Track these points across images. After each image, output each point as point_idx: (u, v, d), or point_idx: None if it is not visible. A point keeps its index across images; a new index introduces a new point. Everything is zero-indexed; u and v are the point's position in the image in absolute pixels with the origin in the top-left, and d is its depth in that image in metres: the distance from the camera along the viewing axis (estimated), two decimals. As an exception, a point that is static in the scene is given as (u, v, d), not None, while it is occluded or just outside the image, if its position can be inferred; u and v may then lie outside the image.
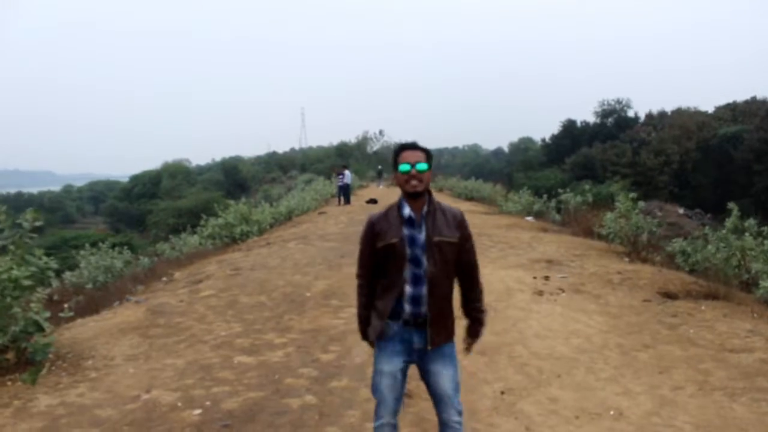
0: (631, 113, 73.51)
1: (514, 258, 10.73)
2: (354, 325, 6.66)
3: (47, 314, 5.61)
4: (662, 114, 68.74)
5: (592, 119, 75.62)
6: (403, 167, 3.09)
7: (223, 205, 18.36)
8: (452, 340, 3.23)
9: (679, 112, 66.52)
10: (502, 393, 4.90)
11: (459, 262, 3.19)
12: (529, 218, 18.83)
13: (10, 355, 5.41)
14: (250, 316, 7.26)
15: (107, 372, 5.40)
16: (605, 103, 74.53)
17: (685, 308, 7.18)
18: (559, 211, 19.14)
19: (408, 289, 3.09)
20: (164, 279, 10.80)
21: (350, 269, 9.77)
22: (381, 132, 77.61)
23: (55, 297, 10.64)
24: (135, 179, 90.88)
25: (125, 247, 17.36)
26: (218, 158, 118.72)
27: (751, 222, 8.99)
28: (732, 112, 64.15)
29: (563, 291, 8.28)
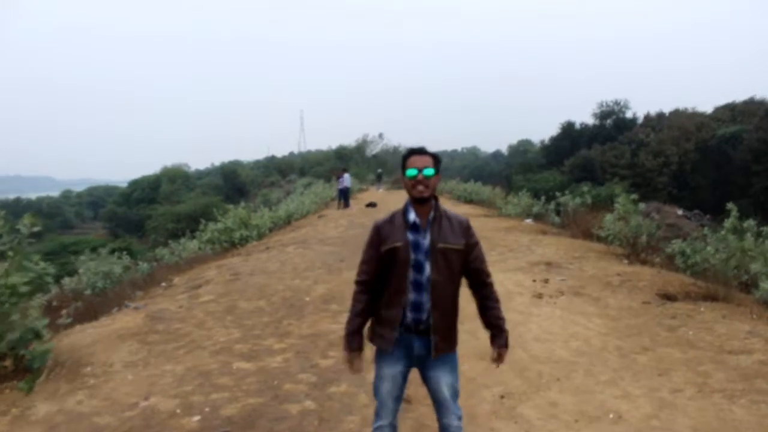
0: (629, 114, 73.54)
1: (513, 261, 10.72)
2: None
3: (45, 321, 5.60)
4: (660, 115, 68.83)
5: (590, 121, 75.66)
6: (410, 172, 3.08)
7: (222, 210, 18.35)
8: (455, 348, 3.23)
9: (677, 113, 66.59)
10: (502, 397, 4.90)
11: (468, 270, 3.19)
12: (528, 221, 18.83)
13: (8, 363, 5.39)
14: (249, 321, 7.25)
15: (106, 379, 5.39)
16: (604, 104, 74.55)
17: (684, 310, 7.18)
18: (558, 213, 19.13)
19: (410, 295, 3.09)
20: (163, 284, 10.79)
21: (350, 273, 9.76)
22: (381, 135, 77.72)
23: (54, 303, 10.63)
24: (134, 184, 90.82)
25: (124, 253, 17.32)
26: (217, 162, 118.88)
27: (750, 222, 8.98)
28: (731, 112, 64.17)
29: (563, 293, 8.28)
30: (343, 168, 30.30)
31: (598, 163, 60.83)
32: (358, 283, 3.28)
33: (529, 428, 4.36)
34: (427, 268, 3.07)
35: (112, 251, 16.48)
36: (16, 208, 73.07)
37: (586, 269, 9.76)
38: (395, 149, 77.40)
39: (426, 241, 3.08)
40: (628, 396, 4.87)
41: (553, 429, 4.34)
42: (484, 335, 3.32)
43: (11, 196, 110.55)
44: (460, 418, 3.21)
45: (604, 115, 74.42)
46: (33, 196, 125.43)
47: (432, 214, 3.13)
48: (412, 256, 3.07)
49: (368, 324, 3.29)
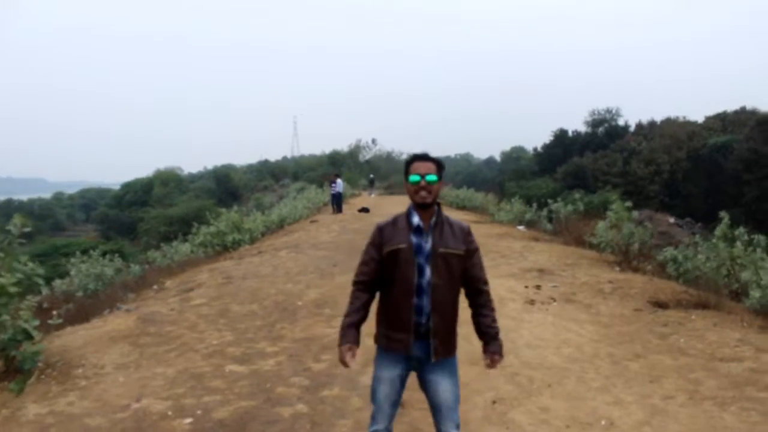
0: (621, 122, 73.93)
1: (505, 267, 10.74)
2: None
3: (36, 322, 5.57)
4: (652, 124, 69.20)
5: (583, 129, 76.01)
6: (413, 178, 3.11)
7: (214, 214, 18.32)
8: (455, 353, 3.23)
9: (668, 122, 66.97)
10: (494, 402, 4.91)
11: (465, 276, 3.19)
12: (521, 227, 18.87)
13: (-1, 364, 5.37)
14: (241, 324, 7.24)
15: (97, 381, 5.37)
16: (596, 112, 74.92)
17: (675, 317, 7.21)
18: (550, 220, 19.18)
19: (413, 298, 3.10)
20: (155, 287, 10.76)
21: (342, 278, 9.76)
22: (374, 141, 77.63)
23: (45, 305, 10.57)
24: (126, 187, 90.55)
25: (116, 255, 17.26)
26: (210, 166, 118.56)
27: (740, 230, 9.03)
28: (722, 122, 64.62)
29: (554, 300, 8.30)
30: (335, 173, 30.30)
31: (590, 171, 61.08)
32: (356, 283, 3.26)
33: (520, 433, 4.37)
34: (428, 272, 3.08)
35: (104, 254, 16.43)
36: (8, 210, 72.70)
37: (578, 276, 9.79)
38: (388, 155, 77.46)
39: (428, 245, 3.10)
40: (619, 402, 4.89)
41: (544, 434, 4.36)
42: (478, 341, 3.33)
43: (2, 198, 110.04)
44: (458, 426, 3.20)
45: (595, 123, 74.79)
46: (25, 197, 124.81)
47: (434, 219, 3.15)
48: (415, 258, 3.09)
49: (373, 327, 3.29)
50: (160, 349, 6.29)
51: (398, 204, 31.02)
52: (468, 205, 31.38)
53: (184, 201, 65.87)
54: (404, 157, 77.54)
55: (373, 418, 3.25)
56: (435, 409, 3.21)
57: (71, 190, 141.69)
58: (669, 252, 10.81)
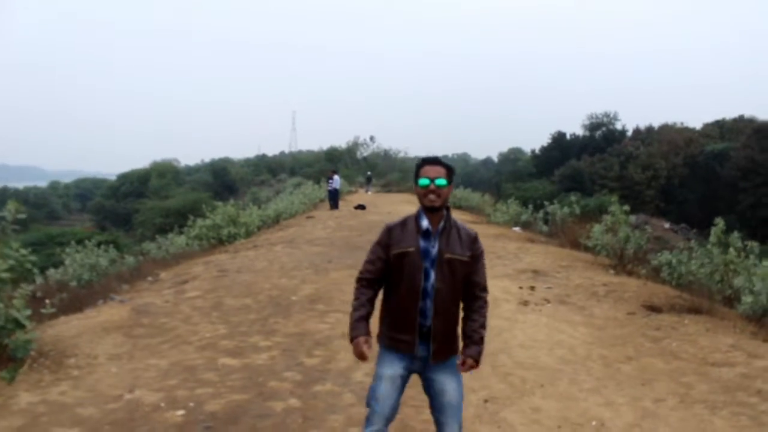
0: (618, 126, 74.08)
1: (500, 268, 10.76)
2: (340, 329, 6.67)
3: (28, 312, 5.55)
4: (649, 129, 69.39)
5: (580, 132, 76.13)
6: (423, 181, 3.11)
7: (210, 207, 18.31)
8: (456, 355, 3.23)
9: (666, 128, 67.16)
10: (486, 402, 4.92)
11: (465, 281, 3.19)
12: (517, 229, 18.91)
13: (-9, 352, 5.35)
14: (235, 318, 7.24)
15: (90, 371, 5.36)
16: (593, 116, 75.03)
17: (668, 322, 7.23)
18: (546, 222, 19.24)
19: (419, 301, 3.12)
20: (150, 279, 10.75)
21: (337, 274, 9.78)
22: (372, 138, 77.61)
23: (39, 294, 10.56)
24: (123, 177, 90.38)
25: (111, 246, 17.26)
26: (207, 159, 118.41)
27: (734, 236, 9.06)
28: (719, 129, 64.83)
29: (548, 302, 8.32)
30: (333, 169, 30.27)
31: (587, 174, 61.21)
32: (360, 280, 3.25)
33: (512, 433, 4.38)
34: (432, 276, 3.09)
35: (99, 244, 16.41)
36: (2, 198, 72.38)
37: (573, 278, 9.81)
38: (386, 153, 77.46)
39: (435, 249, 3.11)
40: (611, 404, 4.91)
41: (535, 434, 4.37)
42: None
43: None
44: (461, 427, 3.22)
45: (593, 126, 74.94)
46: (20, 185, 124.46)
47: (442, 223, 3.15)
48: (423, 262, 3.10)
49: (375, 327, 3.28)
50: (154, 341, 6.29)
51: (395, 202, 31.19)
52: (464, 205, 31.40)
53: (181, 193, 65.71)
54: (402, 155, 77.85)
55: (368, 420, 3.20)
56: (439, 409, 3.20)
57: (67, 180, 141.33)
58: (664, 256, 10.85)
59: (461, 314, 3.29)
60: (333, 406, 4.72)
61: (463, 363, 3.19)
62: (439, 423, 3.23)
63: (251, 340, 6.35)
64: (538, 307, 8.02)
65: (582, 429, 4.46)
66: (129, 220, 67.22)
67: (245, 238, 17.21)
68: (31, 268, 5.81)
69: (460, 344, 3.23)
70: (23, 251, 5.72)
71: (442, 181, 3.10)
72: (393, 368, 3.18)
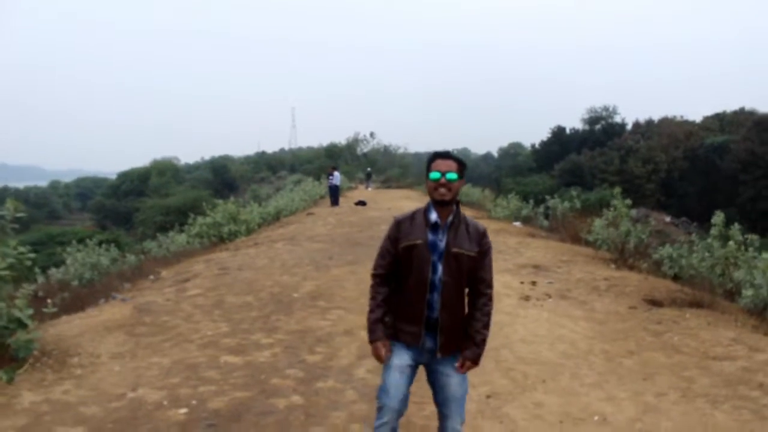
0: (618, 119, 74.03)
1: (501, 263, 10.76)
2: (341, 326, 6.69)
3: (30, 311, 5.55)
4: (649, 122, 69.29)
5: (580, 126, 76.09)
6: (434, 175, 3.12)
7: (211, 204, 18.31)
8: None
9: (666, 121, 67.06)
10: (488, 397, 4.93)
11: (471, 276, 3.20)
12: (517, 223, 18.91)
13: (-7, 352, 5.35)
14: (237, 315, 7.25)
15: (93, 369, 5.37)
16: (593, 110, 74.98)
17: (670, 316, 7.24)
18: (546, 216, 19.24)
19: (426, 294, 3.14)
20: (151, 277, 10.76)
21: (338, 271, 9.79)
22: (372, 134, 77.45)
23: (40, 293, 10.58)
24: (123, 176, 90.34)
25: (112, 245, 17.28)
26: (207, 157, 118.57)
27: (734, 229, 9.05)
28: (720, 122, 64.75)
29: (550, 296, 8.33)
30: (333, 166, 30.26)
31: (587, 169, 61.18)
32: (375, 276, 3.30)
33: (514, 428, 4.39)
34: (440, 270, 3.11)
35: (100, 243, 16.43)
36: (2, 197, 72.22)
37: (574, 273, 9.82)
38: (386, 149, 77.34)
39: (442, 243, 3.12)
40: (613, 399, 4.92)
41: (537, 430, 4.38)
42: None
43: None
44: (462, 422, 3.23)
45: (593, 120, 74.88)
46: (20, 185, 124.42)
47: (451, 217, 3.16)
48: (431, 255, 3.11)
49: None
50: (156, 339, 6.29)
51: (395, 198, 31.18)
52: (464, 200, 31.36)
53: (181, 191, 65.71)
54: (401, 151, 77.77)
55: (378, 414, 3.22)
56: (442, 402, 3.23)
57: (67, 179, 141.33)
58: (665, 250, 10.85)
59: (466, 310, 3.30)
60: (335, 402, 4.73)
61: (462, 365, 3.21)
62: (442, 415, 3.26)
63: (253, 338, 6.35)
64: (540, 302, 8.03)
65: (584, 424, 4.47)
66: (130, 218, 67.23)
67: (246, 236, 17.22)
68: (31, 265, 5.80)
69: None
70: (22, 249, 5.71)
71: (453, 175, 3.11)
72: (401, 358, 3.20)
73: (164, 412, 4.49)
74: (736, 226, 9.02)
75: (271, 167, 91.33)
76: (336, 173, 26.69)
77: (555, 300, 8.17)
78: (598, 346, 6.27)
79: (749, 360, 5.66)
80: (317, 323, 6.93)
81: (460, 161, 3.19)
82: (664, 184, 58.25)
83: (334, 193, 26.51)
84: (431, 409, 3.35)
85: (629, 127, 71.59)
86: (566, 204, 17.93)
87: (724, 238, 8.98)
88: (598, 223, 12.00)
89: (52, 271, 14.72)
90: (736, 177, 50.93)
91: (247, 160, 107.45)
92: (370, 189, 43.92)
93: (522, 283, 9.10)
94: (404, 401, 3.20)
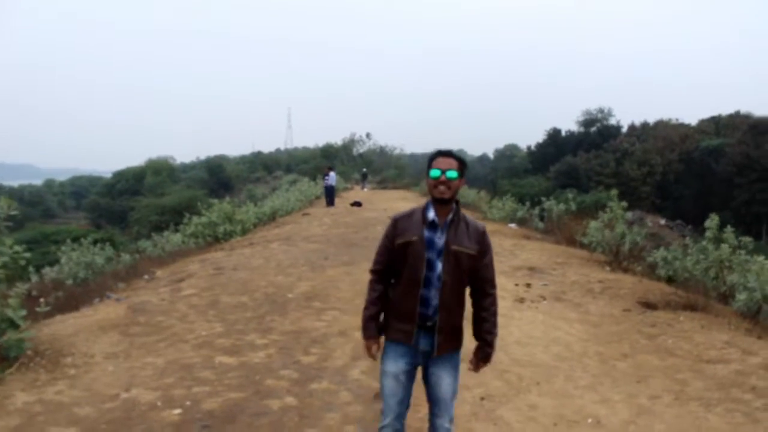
0: (613, 122, 74.26)
1: (496, 264, 10.66)
2: (336, 327, 6.68)
3: (23, 312, 5.53)
4: (645, 125, 69.49)
5: (575, 128, 76.31)
6: (434, 173, 3.13)
7: (206, 204, 18.28)
8: (459, 349, 3.27)
9: (662, 124, 67.26)
10: (482, 399, 4.94)
11: (474, 276, 3.21)
12: (512, 225, 18.91)
13: (-14, 351, 5.33)
14: (231, 316, 7.24)
15: (86, 369, 5.35)
16: (588, 112, 75.18)
17: (664, 318, 7.26)
18: (542, 218, 19.24)
19: (421, 291, 3.14)
20: (146, 277, 10.73)
21: (333, 271, 9.78)
22: (368, 135, 77.38)
23: (34, 292, 10.53)
24: (118, 175, 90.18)
25: (107, 244, 17.20)
26: (203, 156, 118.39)
27: (728, 231, 9.05)
28: (715, 125, 64.97)
29: (544, 299, 8.34)
30: (328, 166, 30.24)
31: (582, 171, 61.33)
32: (373, 272, 3.33)
33: (508, 430, 4.40)
34: (438, 267, 3.11)
35: (95, 242, 16.36)
36: (-3, 195, 71.95)
37: (569, 275, 9.84)
38: (381, 149, 77.32)
39: (441, 240, 3.13)
40: (606, 401, 4.93)
41: (531, 432, 4.39)
42: (469, 337, 3.34)
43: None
44: (451, 420, 3.25)
45: (588, 122, 75.08)
46: (15, 183, 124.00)
47: (450, 216, 3.17)
48: (426, 252, 3.11)
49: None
50: (150, 339, 6.28)
51: (390, 199, 31.18)
52: (460, 201, 31.40)
53: (176, 191, 65.63)
54: (397, 152, 77.78)
55: (382, 413, 3.27)
56: (432, 402, 3.26)
57: (62, 178, 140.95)
58: (660, 253, 10.87)
59: (472, 310, 3.31)
60: (329, 404, 4.73)
61: (477, 367, 3.29)
62: (432, 413, 3.29)
63: (248, 338, 6.34)
64: (534, 304, 8.04)
65: (578, 426, 4.48)
66: (124, 218, 67.13)
67: (241, 236, 17.20)
68: (25, 265, 5.77)
69: (468, 341, 3.26)
70: (17, 248, 5.69)
71: (453, 173, 3.11)
72: (396, 365, 3.21)
73: (158, 412, 4.48)
74: (731, 229, 9.03)
75: (267, 167, 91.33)
76: (332, 173, 26.67)
77: (550, 302, 8.18)
78: (592, 348, 6.28)
79: (742, 363, 5.68)
80: (312, 324, 6.92)
81: (461, 160, 3.20)
82: (660, 186, 58.43)
83: (330, 194, 26.49)
84: (426, 411, 3.36)
85: (624, 129, 71.82)
86: (562, 206, 17.95)
87: (719, 241, 8.99)
88: (593, 225, 12.02)
89: (47, 270, 14.65)
90: (731, 180, 51.12)
91: (243, 159, 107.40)
92: (366, 189, 43.90)
93: (517, 285, 9.11)
94: (403, 404, 3.25)
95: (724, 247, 8.72)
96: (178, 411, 4.51)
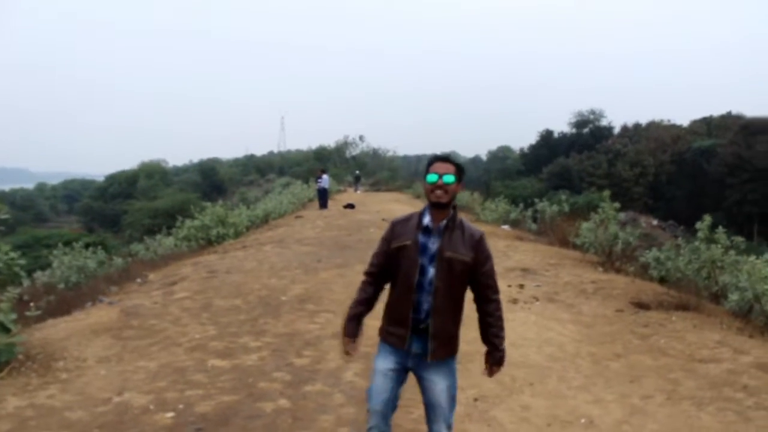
0: (605, 123, 74.52)
1: (489, 266, 10.78)
2: (330, 329, 6.68)
3: (14, 316, 5.51)
4: (637, 126, 69.78)
5: (568, 129, 76.55)
6: (431, 177, 3.13)
7: (199, 207, 18.23)
8: (454, 355, 3.25)
9: (654, 125, 67.57)
10: (476, 400, 4.94)
11: (475, 284, 3.19)
12: (505, 227, 18.94)
13: (-24, 356, 5.30)
14: (225, 319, 7.22)
15: (78, 373, 5.34)
16: (580, 113, 75.44)
17: (656, 319, 7.28)
18: (535, 220, 19.28)
19: (413, 295, 3.13)
20: (138, 280, 10.70)
21: (326, 274, 9.78)
22: (361, 137, 77.51)
23: (26, 297, 10.48)
24: (111, 178, 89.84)
25: (99, 247, 17.13)
26: (196, 159, 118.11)
27: (720, 231, 9.09)
28: (707, 126, 65.28)
29: (537, 300, 8.36)
30: (321, 169, 30.22)
31: (575, 172, 61.51)
32: (366, 274, 3.35)
33: (501, 431, 4.40)
34: (430, 273, 3.10)
35: (87, 246, 16.29)
36: (-12, 200, 71.59)
37: (562, 276, 9.86)
38: (375, 152, 77.42)
39: (434, 246, 3.11)
40: (599, 401, 4.94)
41: (525, 432, 4.39)
42: (466, 339, 3.34)
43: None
44: (449, 427, 3.22)
45: (580, 123, 75.33)
46: (6, 187, 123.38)
47: (446, 221, 3.16)
48: (419, 257, 3.11)
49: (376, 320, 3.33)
50: (143, 343, 6.26)
51: (383, 201, 31.19)
52: (457, 206, 31.42)
53: (169, 194, 65.36)
54: (390, 154, 77.94)
55: (369, 417, 3.26)
56: (428, 407, 3.23)
57: (54, 181, 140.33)
58: (652, 253, 10.91)
59: (477, 316, 3.30)
60: (323, 406, 4.72)
61: (491, 371, 3.30)
62: (428, 419, 3.27)
63: (241, 341, 6.33)
64: (527, 305, 8.05)
65: (571, 426, 4.49)
66: (117, 221, 66.83)
67: (234, 239, 17.16)
68: (18, 271, 5.77)
69: (469, 346, 3.26)
70: (12, 254, 5.68)
71: (450, 178, 3.12)
72: (386, 362, 3.22)
73: (151, 416, 4.47)
74: (722, 229, 9.07)
75: (260, 170, 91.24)
76: (325, 176, 26.66)
77: (543, 303, 8.20)
78: (585, 349, 6.30)
79: (734, 362, 5.71)
80: (305, 326, 6.91)
81: (458, 165, 3.20)
82: (652, 187, 58.65)
83: (323, 196, 26.47)
84: (419, 413, 3.36)
85: (617, 130, 72.09)
86: (555, 207, 17.98)
87: (711, 242, 9.02)
88: (585, 226, 12.05)
89: (38, 274, 14.58)
90: (723, 181, 51.35)
91: (236, 162, 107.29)
92: (359, 192, 43.93)
93: (510, 286, 9.12)
94: (388, 404, 3.22)
95: (716, 247, 8.76)
96: (171, 414, 4.50)
